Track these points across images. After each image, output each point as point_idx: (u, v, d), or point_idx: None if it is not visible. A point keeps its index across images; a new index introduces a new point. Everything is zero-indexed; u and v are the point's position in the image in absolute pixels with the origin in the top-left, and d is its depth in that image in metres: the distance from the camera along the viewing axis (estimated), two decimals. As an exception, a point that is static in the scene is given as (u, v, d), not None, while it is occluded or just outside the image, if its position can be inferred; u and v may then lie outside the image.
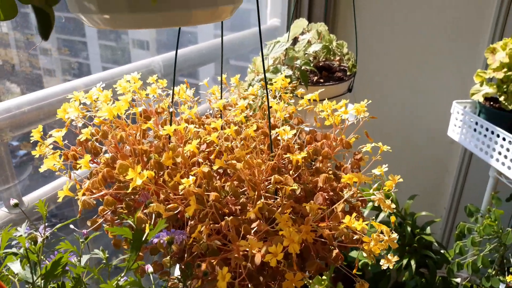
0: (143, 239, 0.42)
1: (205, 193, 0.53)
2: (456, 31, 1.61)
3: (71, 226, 0.55)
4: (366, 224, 0.54)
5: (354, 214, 0.51)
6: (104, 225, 0.62)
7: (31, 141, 0.65)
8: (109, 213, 0.60)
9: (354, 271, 0.52)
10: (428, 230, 1.64)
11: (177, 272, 0.67)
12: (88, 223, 0.63)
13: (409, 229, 1.58)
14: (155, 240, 0.45)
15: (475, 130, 1.42)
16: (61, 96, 0.95)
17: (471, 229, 1.43)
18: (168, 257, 0.53)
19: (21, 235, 0.43)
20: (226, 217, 0.51)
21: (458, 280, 1.60)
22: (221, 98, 0.69)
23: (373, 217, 1.59)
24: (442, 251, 1.66)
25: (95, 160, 0.67)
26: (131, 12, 0.35)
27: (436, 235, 2.00)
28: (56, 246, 0.53)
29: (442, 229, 2.01)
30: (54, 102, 0.94)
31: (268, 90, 0.61)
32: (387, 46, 1.71)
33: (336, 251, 0.54)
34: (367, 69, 1.59)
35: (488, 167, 1.45)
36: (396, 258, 0.55)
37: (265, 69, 0.98)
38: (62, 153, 0.63)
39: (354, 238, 0.51)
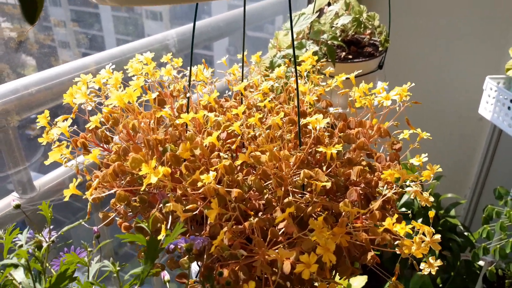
0: (159, 247, 0.37)
1: (227, 189, 0.48)
2: (491, 2, 1.50)
3: (82, 222, 0.51)
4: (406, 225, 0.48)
5: (396, 216, 0.45)
6: (117, 218, 0.58)
7: (38, 127, 0.61)
8: (122, 206, 0.56)
9: (394, 278, 0.47)
10: (452, 212, 1.58)
11: (193, 269, 0.63)
12: (100, 216, 0.58)
13: (433, 211, 1.52)
14: (172, 247, 0.40)
15: (509, 108, 1.32)
16: (71, 75, 0.89)
17: (500, 213, 1.36)
18: (185, 258, 0.48)
19: (21, 245, 0.38)
20: (250, 218, 0.45)
21: (482, 263, 1.55)
22: (242, 80, 0.62)
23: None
24: (466, 233, 1.59)
25: (105, 147, 0.61)
26: (141, -14, 0.29)
27: (459, 216, 1.94)
28: (64, 241, 0.49)
29: (465, 209, 1.94)
30: (65, 81, 0.88)
31: (294, 71, 0.54)
32: (418, 20, 1.60)
33: (372, 253, 0.49)
34: (396, 44, 1.49)
35: (520, 147, 1.36)
36: (439, 263, 0.49)
37: (288, 44, 0.91)
38: (70, 140, 0.58)
39: (396, 242, 0.46)
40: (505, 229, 1.30)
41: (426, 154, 0.61)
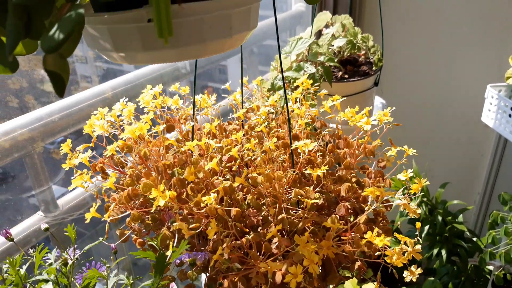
0: (166, 261, 0.43)
1: (227, 207, 0.54)
2: (489, 12, 1.53)
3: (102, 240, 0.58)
4: (388, 238, 0.53)
5: (376, 230, 0.51)
6: (132, 235, 0.64)
7: (61, 153, 0.68)
8: (136, 224, 0.62)
9: (376, 286, 0.52)
10: (460, 218, 1.60)
11: (203, 281, 0.69)
12: (117, 232, 0.65)
13: (440, 218, 1.55)
14: (178, 261, 0.47)
15: (510, 115, 1.36)
16: (90, 101, 0.97)
17: (504, 218, 1.39)
18: (191, 271, 0.55)
19: (51, 264, 0.45)
20: (247, 234, 0.51)
21: (491, 267, 1.57)
22: (242, 106, 0.69)
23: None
24: (474, 239, 1.62)
25: (121, 170, 0.69)
26: (146, 51, 0.36)
27: (469, 222, 1.96)
28: (86, 257, 0.56)
29: (475, 215, 1.96)
30: (84, 107, 0.96)
31: (288, 101, 0.60)
32: (417, 29, 1.64)
33: (358, 263, 0.54)
34: (394, 60, 1.54)
35: (524, 154, 1.39)
36: (419, 271, 0.54)
37: (288, 66, 0.97)
38: (90, 165, 0.65)
39: (376, 253, 0.51)
40: (510, 234, 1.33)
41: (412, 170, 0.66)
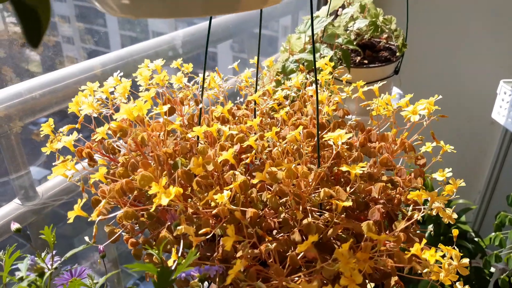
0: (171, 277, 0.34)
1: (242, 208, 0.45)
2: (506, 6, 1.46)
3: (86, 238, 0.48)
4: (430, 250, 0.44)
5: (424, 241, 0.42)
6: (123, 233, 0.55)
7: (42, 135, 0.58)
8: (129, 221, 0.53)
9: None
10: (463, 218, 1.54)
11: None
12: (106, 230, 0.55)
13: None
14: (184, 275, 0.37)
15: (524, 113, 1.29)
16: (77, 78, 0.86)
17: (513, 220, 1.33)
18: (196, 280, 0.45)
19: (21, 278, 0.35)
20: (267, 241, 0.42)
21: (493, 270, 1.52)
22: (255, 89, 0.59)
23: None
24: (476, 239, 1.56)
25: (112, 157, 0.58)
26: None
27: (469, 222, 1.90)
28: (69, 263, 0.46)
29: (474, 214, 1.91)
30: (70, 84, 0.85)
31: (314, 84, 0.51)
32: (432, 23, 1.56)
33: (395, 278, 0.46)
34: (409, 48, 1.45)
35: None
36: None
37: (301, 48, 0.88)
38: (75, 150, 0.55)
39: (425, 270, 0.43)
40: (519, 238, 1.27)
41: (450, 169, 0.58)
